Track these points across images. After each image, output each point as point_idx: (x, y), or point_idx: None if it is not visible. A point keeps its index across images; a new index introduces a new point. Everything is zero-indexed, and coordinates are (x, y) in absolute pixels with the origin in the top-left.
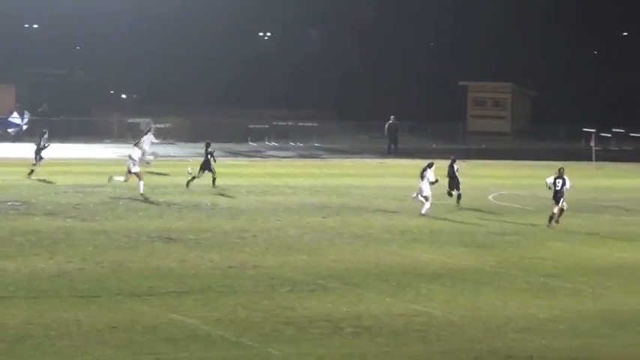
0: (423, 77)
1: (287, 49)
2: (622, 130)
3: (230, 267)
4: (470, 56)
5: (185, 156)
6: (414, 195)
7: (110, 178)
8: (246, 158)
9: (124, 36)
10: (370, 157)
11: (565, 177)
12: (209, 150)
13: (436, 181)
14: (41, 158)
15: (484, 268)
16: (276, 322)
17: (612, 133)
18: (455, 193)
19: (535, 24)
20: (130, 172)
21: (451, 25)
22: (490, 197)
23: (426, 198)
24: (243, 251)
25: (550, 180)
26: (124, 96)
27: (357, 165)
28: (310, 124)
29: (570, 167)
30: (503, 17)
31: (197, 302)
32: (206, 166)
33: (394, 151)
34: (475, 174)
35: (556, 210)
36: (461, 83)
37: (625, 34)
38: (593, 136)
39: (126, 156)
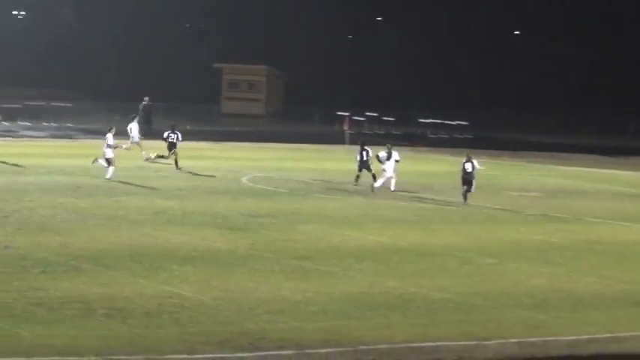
0: (178, 59)
1: (40, 28)
2: (375, 114)
3: None
4: (225, 39)
5: None
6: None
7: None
8: None
9: None
10: (125, 138)
11: (473, 160)
12: None
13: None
14: None
15: (237, 250)
16: (28, 304)
17: (365, 116)
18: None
19: (291, 7)
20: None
21: (205, 7)
22: (244, 179)
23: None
24: None
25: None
26: None
27: None
28: (64, 105)
29: (324, 150)
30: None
31: None
32: None
33: (149, 132)
34: (229, 156)
35: (464, 189)
36: (215, 65)
37: (379, 19)
38: (346, 119)
39: None
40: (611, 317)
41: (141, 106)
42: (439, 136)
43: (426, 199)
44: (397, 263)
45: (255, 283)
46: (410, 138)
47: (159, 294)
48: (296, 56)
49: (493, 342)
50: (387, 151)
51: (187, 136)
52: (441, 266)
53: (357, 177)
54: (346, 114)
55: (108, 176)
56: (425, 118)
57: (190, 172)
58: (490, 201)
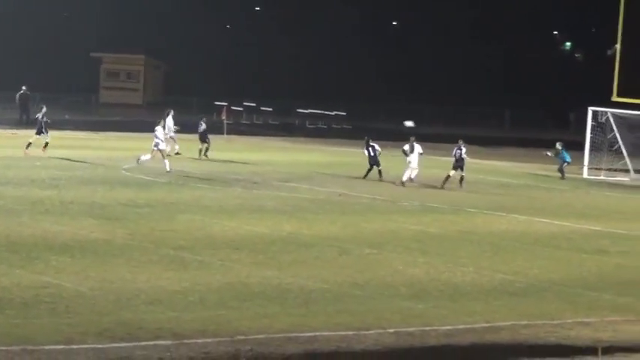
0: (57, 47)
1: None
2: (253, 104)
3: None
4: (104, 28)
5: None
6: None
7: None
8: None
9: None
10: (1, 128)
11: (463, 147)
12: None
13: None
14: None
15: (114, 240)
16: None
17: (244, 106)
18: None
19: None
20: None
21: None
22: (123, 169)
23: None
24: None
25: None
26: None
27: None
28: None
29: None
30: None
31: None
32: None
33: (26, 122)
34: (108, 146)
35: (452, 174)
36: (93, 54)
37: (257, 8)
38: (224, 109)
39: None
40: (489, 307)
41: (18, 96)
42: (317, 126)
43: (305, 189)
44: (275, 253)
45: (133, 274)
46: (288, 128)
47: (36, 284)
48: (175, 46)
49: (371, 332)
50: (410, 144)
51: (66, 125)
52: (319, 256)
53: (368, 171)
54: (224, 104)
55: (168, 169)
56: (303, 109)
57: (69, 161)
58: (369, 191)
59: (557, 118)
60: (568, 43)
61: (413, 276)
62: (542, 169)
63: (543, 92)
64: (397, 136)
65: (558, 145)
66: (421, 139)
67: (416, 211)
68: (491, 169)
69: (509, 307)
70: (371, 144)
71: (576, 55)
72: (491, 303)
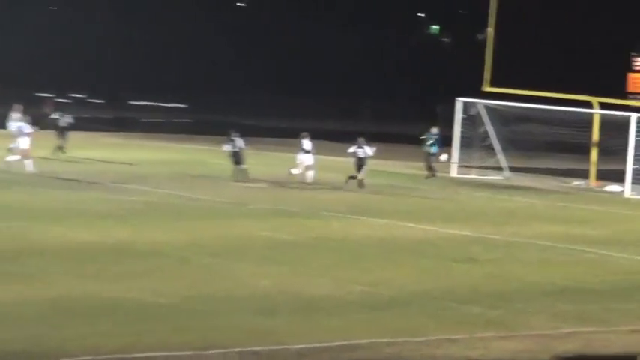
0: None
1: None
2: (82, 96)
3: None
4: None
5: None
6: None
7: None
8: None
9: None
10: None
11: (364, 146)
12: None
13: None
14: None
15: None
16: None
17: (71, 98)
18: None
19: None
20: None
21: None
22: None
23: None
24: None
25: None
26: None
27: None
28: None
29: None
30: None
31: None
32: None
33: None
34: None
35: (360, 176)
36: None
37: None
38: (48, 101)
39: None
40: (347, 322)
41: None
42: (154, 120)
43: (139, 191)
44: (105, 263)
45: None
46: (121, 123)
47: None
48: None
49: (213, 352)
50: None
51: None
52: (155, 266)
53: (237, 171)
54: (49, 95)
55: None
56: (137, 100)
57: None
58: (213, 193)
59: (423, 111)
60: (435, 27)
61: (262, 288)
62: (406, 167)
63: (407, 81)
64: (257, 132)
65: (434, 130)
66: (268, 134)
67: (266, 215)
68: (347, 168)
69: (369, 323)
70: (232, 138)
71: (444, 40)
72: (349, 318)
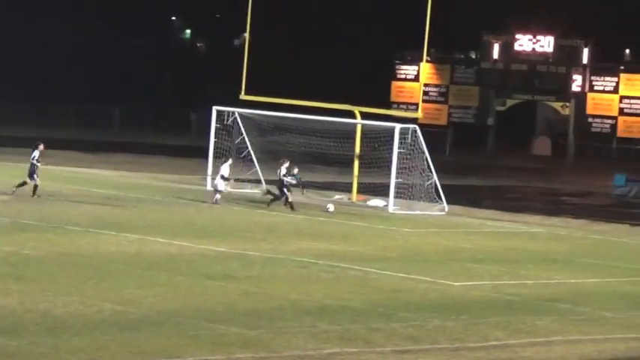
0: None
1: None
2: None
3: None
4: None
5: None
6: None
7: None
8: None
9: None
10: None
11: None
12: None
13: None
14: None
15: None
16: None
17: None
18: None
19: None
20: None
21: None
22: None
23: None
24: None
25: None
26: None
27: None
28: None
29: None
30: None
31: None
32: None
33: None
34: None
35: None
36: None
37: None
38: None
39: None
40: (95, 343)
41: None
42: None
43: None
44: None
45: None
46: None
47: None
48: None
49: None
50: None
51: None
52: None
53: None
54: None
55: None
56: None
57: None
58: None
59: (176, 120)
60: (187, 31)
61: (4, 307)
62: (158, 180)
63: (158, 88)
64: None
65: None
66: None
67: (7, 229)
68: (95, 180)
69: (119, 343)
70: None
71: (198, 45)
72: (98, 338)
